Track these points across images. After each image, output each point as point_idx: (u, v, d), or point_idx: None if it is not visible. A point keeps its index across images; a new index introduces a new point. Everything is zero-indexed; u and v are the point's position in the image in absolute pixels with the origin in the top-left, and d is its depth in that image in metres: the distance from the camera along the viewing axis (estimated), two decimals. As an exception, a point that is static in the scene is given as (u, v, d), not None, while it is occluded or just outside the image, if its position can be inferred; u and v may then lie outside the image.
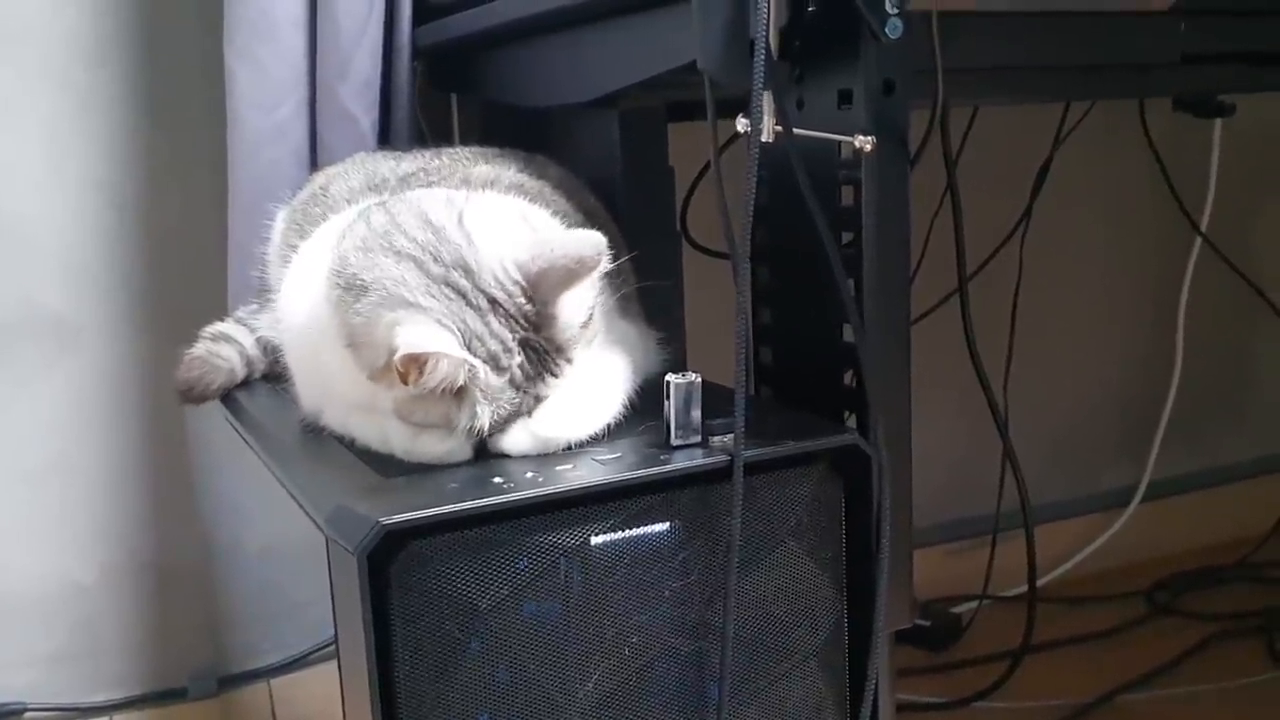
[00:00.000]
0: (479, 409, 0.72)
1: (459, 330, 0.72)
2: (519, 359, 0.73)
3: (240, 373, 1.03)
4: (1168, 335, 1.93)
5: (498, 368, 0.73)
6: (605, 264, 0.74)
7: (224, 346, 1.04)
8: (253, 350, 1.04)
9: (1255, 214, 2.01)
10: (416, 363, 0.69)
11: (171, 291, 1.44)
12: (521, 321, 0.74)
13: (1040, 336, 1.78)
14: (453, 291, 0.73)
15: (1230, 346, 2.06)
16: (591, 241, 0.73)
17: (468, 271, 0.73)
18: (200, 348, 1.04)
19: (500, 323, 0.73)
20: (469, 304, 0.73)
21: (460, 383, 0.71)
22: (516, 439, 0.76)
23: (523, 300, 0.74)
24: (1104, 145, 1.78)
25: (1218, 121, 1.75)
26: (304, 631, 1.53)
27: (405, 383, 0.70)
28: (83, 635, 1.49)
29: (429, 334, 0.71)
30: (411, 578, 0.65)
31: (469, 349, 0.72)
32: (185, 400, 1.02)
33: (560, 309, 0.74)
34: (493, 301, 0.73)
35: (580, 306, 0.75)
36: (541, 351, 0.74)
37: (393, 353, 0.69)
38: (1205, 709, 1.57)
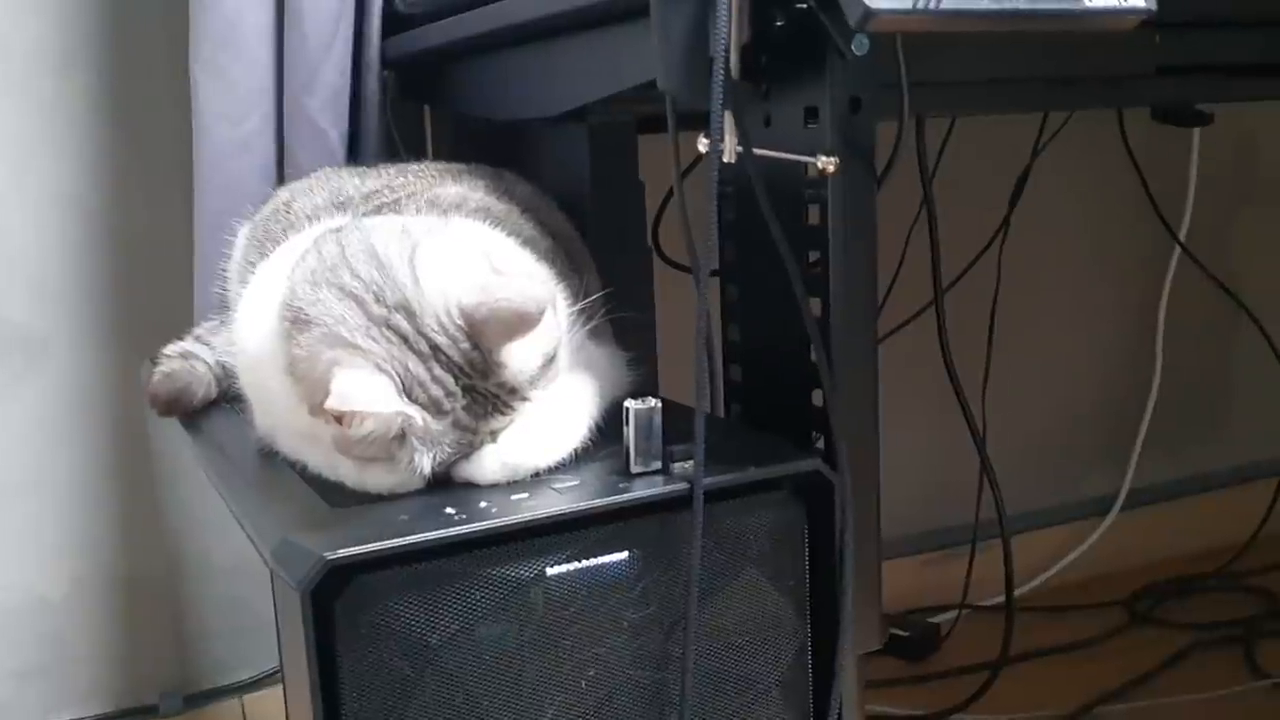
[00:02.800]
0: (416, 455, 0.70)
1: (398, 375, 0.70)
2: (463, 402, 0.72)
3: (214, 389, 1.01)
4: (1147, 344, 1.93)
5: (439, 412, 0.71)
6: (550, 322, 0.73)
7: (195, 362, 1.03)
8: (216, 368, 1.03)
9: (1233, 223, 2.00)
10: (346, 412, 0.68)
11: (139, 304, 1.43)
12: (465, 368, 0.71)
13: (1019, 346, 1.78)
14: (394, 334, 0.71)
15: (1209, 356, 2.05)
16: (535, 298, 0.71)
17: (410, 314, 0.71)
18: (174, 364, 1.02)
19: (442, 369, 0.71)
20: (410, 348, 0.71)
21: (394, 433, 0.69)
22: (485, 468, 0.74)
23: (467, 346, 0.71)
24: (1082, 155, 1.77)
25: (1196, 131, 1.75)
26: (274, 647, 1.52)
27: (340, 424, 0.69)
28: (50, 651, 1.47)
29: (360, 387, 0.69)
30: (358, 613, 0.63)
31: (408, 394, 0.70)
32: (166, 413, 1.00)
33: (508, 357, 0.72)
34: (434, 347, 0.71)
35: (531, 354, 0.73)
36: (490, 396, 0.72)
37: (327, 392, 0.68)
38: (1185, 719, 1.56)
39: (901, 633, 1.73)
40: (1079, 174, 1.82)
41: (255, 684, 1.54)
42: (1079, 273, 1.92)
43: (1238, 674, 1.67)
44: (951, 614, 1.78)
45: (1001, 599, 1.46)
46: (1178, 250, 1.86)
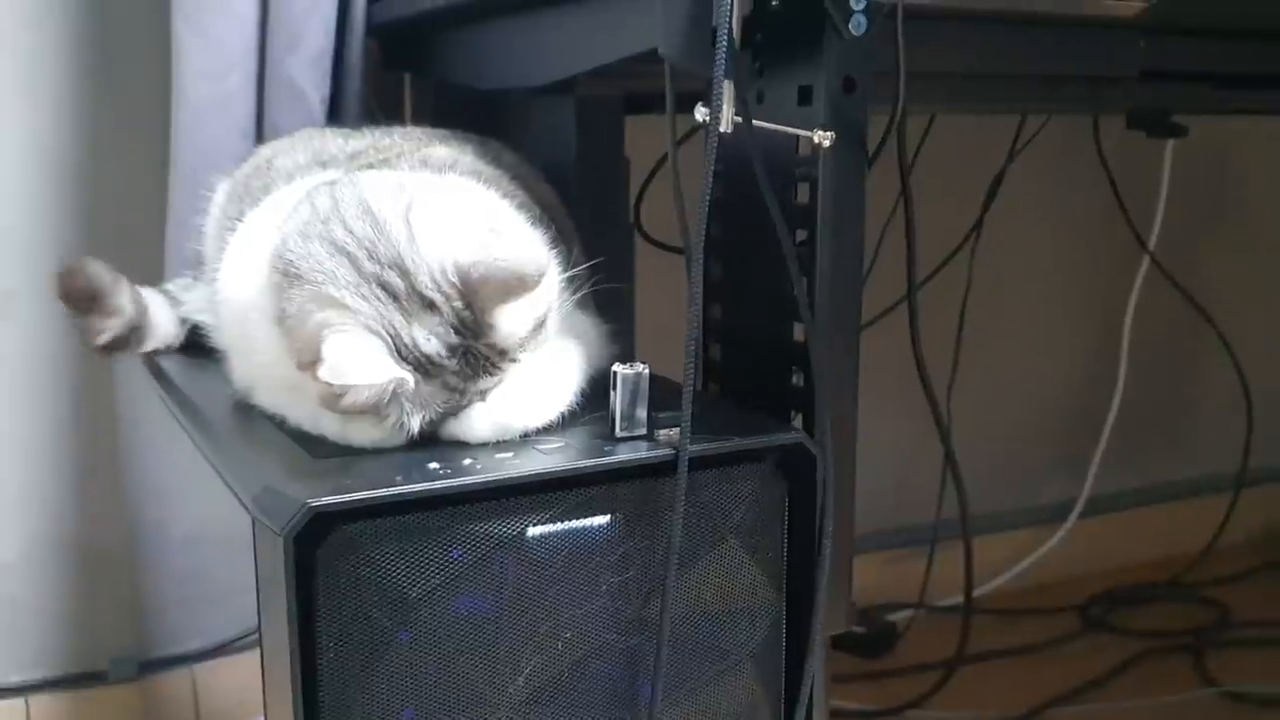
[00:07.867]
0: (406, 415, 0.69)
1: (389, 335, 0.69)
2: (454, 364, 0.71)
3: (129, 316, 0.98)
4: (1112, 352, 1.95)
5: (429, 374, 0.70)
6: (546, 285, 0.72)
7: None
8: (157, 317, 1.00)
9: (1202, 236, 2.03)
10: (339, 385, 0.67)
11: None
12: (458, 327, 0.70)
13: (986, 348, 1.79)
14: (384, 293, 0.70)
15: (1173, 366, 2.08)
16: (534, 260, 0.70)
17: (404, 272, 0.70)
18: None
19: (435, 328, 0.70)
20: (401, 307, 0.70)
21: (386, 396, 0.68)
22: (474, 426, 0.73)
23: (460, 305, 0.70)
24: (1057, 161, 1.79)
25: (1170, 143, 1.77)
26: (229, 619, 1.50)
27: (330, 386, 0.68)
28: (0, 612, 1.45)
29: (353, 359, 0.67)
30: (339, 563, 0.62)
31: (399, 354, 0.69)
32: (69, 304, 0.98)
33: (500, 319, 0.71)
34: (429, 305, 0.70)
35: (523, 318, 0.72)
36: (481, 357, 0.71)
37: (317, 355, 0.67)
38: (1134, 724, 1.59)
39: (858, 629, 1.74)
40: (1053, 179, 1.84)
41: (208, 654, 1.52)
42: (1048, 277, 1.94)
43: (1187, 682, 1.69)
44: (908, 613, 1.79)
45: (958, 600, 1.47)
46: (1146, 260, 1.87)
